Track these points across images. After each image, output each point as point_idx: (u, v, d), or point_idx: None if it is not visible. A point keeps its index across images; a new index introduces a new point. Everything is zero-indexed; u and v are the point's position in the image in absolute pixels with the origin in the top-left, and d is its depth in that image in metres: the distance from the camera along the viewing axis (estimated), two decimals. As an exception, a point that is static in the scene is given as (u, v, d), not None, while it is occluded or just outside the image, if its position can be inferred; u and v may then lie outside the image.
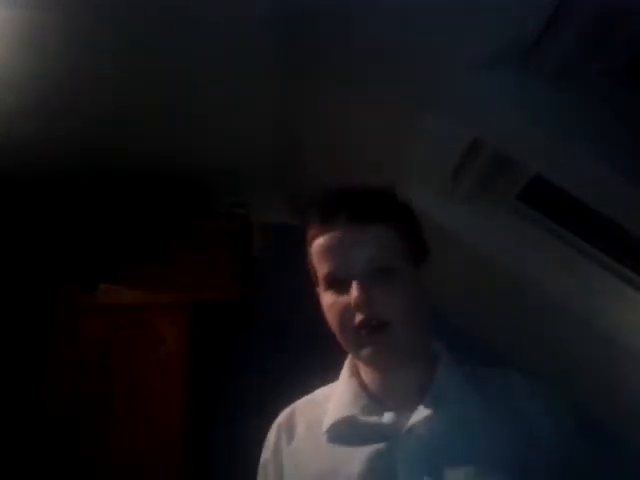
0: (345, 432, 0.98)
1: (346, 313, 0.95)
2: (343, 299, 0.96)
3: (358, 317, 0.94)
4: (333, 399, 1.04)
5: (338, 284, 0.97)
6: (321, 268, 0.99)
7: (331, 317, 0.98)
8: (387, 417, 0.97)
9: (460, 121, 1.62)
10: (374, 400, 1.00)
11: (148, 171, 2.43)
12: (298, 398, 1.12)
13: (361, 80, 1.72)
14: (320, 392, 1.10)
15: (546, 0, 1.19)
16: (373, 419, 0.98)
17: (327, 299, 0.98)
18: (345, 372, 1.06)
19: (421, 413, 0.94)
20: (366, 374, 1.03)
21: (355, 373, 1.05)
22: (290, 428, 1.06)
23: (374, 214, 0.98)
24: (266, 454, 1.08)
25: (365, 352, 0.96)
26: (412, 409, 0.96)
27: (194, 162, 2.43)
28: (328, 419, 1.01)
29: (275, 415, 1.11)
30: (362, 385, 1.03)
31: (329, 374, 1.12)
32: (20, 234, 2.61)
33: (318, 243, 0.99)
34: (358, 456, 0.95)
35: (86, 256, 2.62)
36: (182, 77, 1.93)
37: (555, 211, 1.94)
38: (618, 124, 1.37)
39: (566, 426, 1.03)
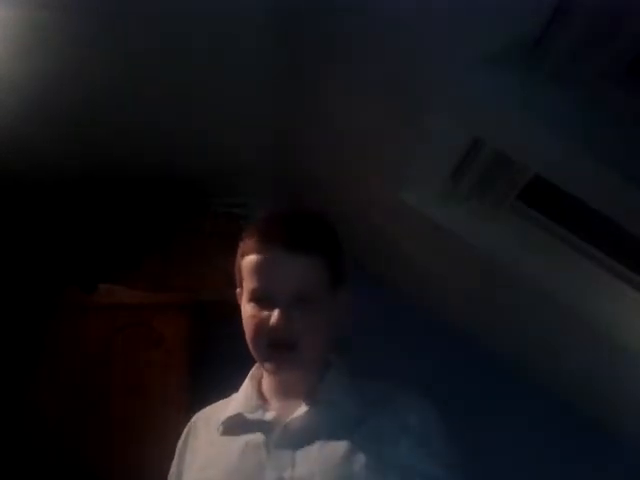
0: (234, 426, 1.12)
1: (262, 328, 1.07)
2: (263, 315, 1.07)
3: (272, 335, 1.06)
4: (232, 401, 1.18)
5: (260, 301, 1.08)
6: (249, 283, 1.09)
7: (248, 327, 1.10)
8: (269, 415, 1.11)
9: (460, 121, 1.62)
10: (263, 401, 1.14)
11: (148, 171, 2.43)
12: None
13: (361, 80, 1.72)
14: (230, 397, 1.21)
15: (546, 0, 1.19)
16: (256, 415, 1.12)
17: (248, 309, 1.09)
18: (247, 378, 1.19)
19: (298, 412, 1.08)
20: (265, 380, 1.17)
21: (256, 379, 1.18)
22: (195, 428, 1.20)
23: (308, 245, 1.07)
24: (176, 453, 1.21)
25: (269, 364, 1.10)
26: (293, 410, 1.09)
27: (194, 162, 2.44)
28: (223, 416, 1.14)
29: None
30: (258, 388, 1.16)
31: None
32: (21, 235, 2.61)
33: (251, 260, 1.09)
34: (239, 444, 1.09)
35: (86, 256, 2.62)
36: (182, 77, 1.93)
37: (555, 211, 1.94)
38: (618, 124, 1.37)
39: (432, 444, 1.09)
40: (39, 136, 2.19)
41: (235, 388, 1.18)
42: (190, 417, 1.24)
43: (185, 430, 1.22)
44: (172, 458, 1.21)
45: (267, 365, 1.11)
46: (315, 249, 1.08)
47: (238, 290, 1.16)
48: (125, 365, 2.51)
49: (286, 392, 1.13)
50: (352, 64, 1.68)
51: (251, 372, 1.20)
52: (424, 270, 2.45)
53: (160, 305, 2.56)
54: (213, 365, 2.53)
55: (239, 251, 1.14)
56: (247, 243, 1.11)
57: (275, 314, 1.06)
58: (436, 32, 1.37)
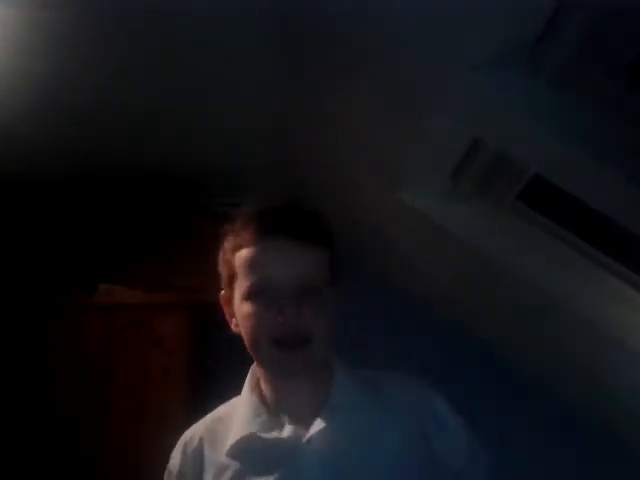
0: (247, 449, 0.99)
1: (267, 326, 0.97)
2: (266, 312, 0.97)
3: (280, 332, 0.96)
4: (236, 416, 1.04)
5: (262, 296, 0.98)
6: (247, 278, 0.99)
7: (249, 327, 0.99)
8: (286, 431, 0.99)
9: (460, 121, 1.62)
10: (273, 415, 1.02)
11: (148, 172, 2.44)
12: None
13: (361, 80, 1.72)
14: (222, 409, 1.10)
15: (546, 0, 1.19)
16: (273, 435, 0.99)
17: (246, 308, 0.99)
18: (246, 387, 1.07)
19: (318, 426, 0.97)
20: (266, 388, 1.05)
21: (255, 387, 1.06)
22: (197, 450, 1.05)
23: (310, 235, 1.01)
24: (172, 474, 1.07)
25: (278, 367, 1.00)
26: (310, 422, 0.98)
27: (194, 162, 2.43)
28: (232, 437, 1.01)
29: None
30: (262, 400, 1.04)
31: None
32: (21, 235, 2.61)
33: (249, 253, 1.00)
34: (261, 470, 0.96)
35: (86, 256, 2.62)
36: (182, 77, 1.93)
37: (555, 211, 1.94)
38: (618, 124, 1.37)
39: (454, 427, 1.06)
40: (39, 136, 2.19)
41: (235, 389, 1.09)
42: (186, 426, 1.11)
43: (180, 447, 1.08)
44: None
45: (275, 368, 1.01)
46: (319, 238, 1.03)
47: (222, 292, 1.06)
48: (125, 365, 2.51)
49: (294, 401, 1.02)
50: (352, 64, 1.68)
51: (248, 380, 1.08)
52: (424, 270, 2.45)
53: (160, 305, 2.56)
54: (213, 365, 2.53)
55: (226, 247, 1.04)
56: (240, 236, 1.02)
57: (285, 308, 0.96)
58: (436, 33, 1.36)
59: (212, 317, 2.63)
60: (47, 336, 2.53)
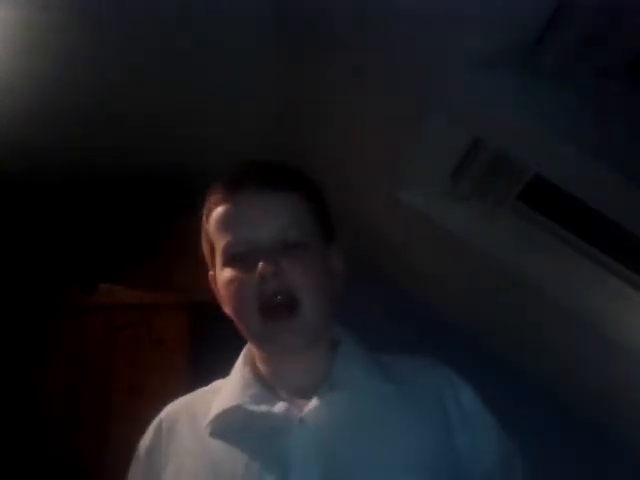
0: (230, 423, 0.87)
1: (248, 289, 0.85)
2: (246, 274, 0.85)
3: (263, 292, 0.84)
4: (223, 390, 0.93)
5: (240, 257, 0.87)
6: (221, 238, 0.89)
7: (230, 295, 0.88)
8: (279, 406, 0.85)
9: (460, 121, 1.62)
10: (267, 389, 0.89)
11: (148, 171, 2.43)
12: None
13: (361, 80, 1.72)
14: (212, 385, 0.99)
15: (546, 0, 1.19)
16: (262, 408, 0.86)
17: (226, 275, 0.88)
18: (239, 361, 0.96)
19: (315, 402, 0.85)
20: (261, 363, 0.93)
21: (249, 362, 0.94)
22: (171, 426, 0.94)
23: (284, 181, 0.91)
24: (140, 452, 0.97)
25: (267, 337, 0.87)
26: (307, 399, 0.86)
27: (193, 162, 2.43)
28: (213, 410, 0.89)
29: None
30: (256, 374, 0.92)
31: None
32: (21, 236, 2.61)
33: (219, 212, 0.90)
34: (244, 449, 0.84)
35: (86, 256, 2.62)
36: (182, 77, 1.93)
37: (555, 211, 1.94)
38: (618, 124, 1.37)
39: (482, 414, 0.95)
40: (38, 137, 2.19)
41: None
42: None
43: (153, 427, 0.96)
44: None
45: (263, 340, 0.88)
46: (292, 186, 0.92)
47: (211, 273, 0.96)
48: (125, 365, 2.51)
49: (292, 377, 0.90)
50: (352, 64, 1.68)
51: (242, 355, 0.96)
52: (424, 270, 2.45)
53: (160, 305, 2.55)
54: (213, 365, 2.52)
55: (204, 218, 0.95)
56: (211, 199, 0.93)
57: (262, 261, 0.83)
58: (436, 32, 1.36)
59: (212, 317, 2.63)
60: (47, 336, 2.53)
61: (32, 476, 2.35)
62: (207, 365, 2.51)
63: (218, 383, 0.98)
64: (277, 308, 0.84)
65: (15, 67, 1.83)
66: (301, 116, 2.10)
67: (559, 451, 2.44)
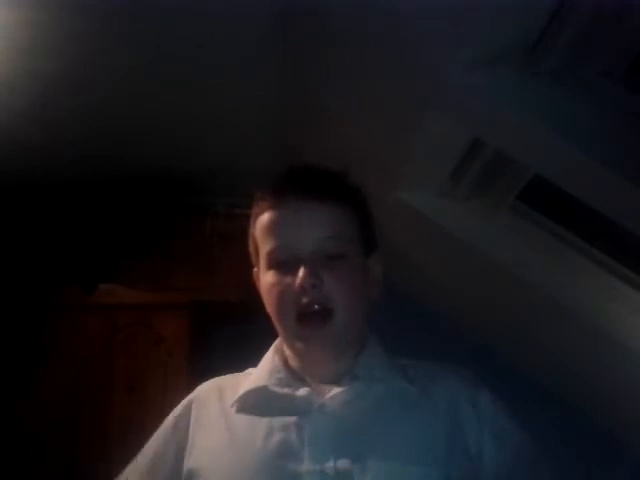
0: (255, 402, 0.93)
1: (288, 295, 0.89)
2: (287, 279, 0.89)
3: (300, 302, 0.88)
4: (253, 374, 0.99)
5: (283, 262, 0.90)
6: (266, 245, 0.92)
7: (271, 298, 0.92)
8: (302, 391, 0.91)
9: (460, 121, 1.62)
10: (293, 375, 0.95)
11: (148, 171, 2.43)
12: None
13: (361, 80, 1.72)
14: (245, 371, 1.03)
15: (546, 0, 1.19)
16: (285, 391, 0.92)
17: (268, 278, 0.92)
18: (270, 351, 1.01)
19: (336, 390, 0.90)
20: (291, 354, 0.97)
21: (279, 350, 0.99)
22: (204, 401, 1.00)
23: (331, 192, 0.93)
24: (168, 420, 1.02)
25: (301, 340, 0.92)
26: (329, 388, 0.91)
27: (194, 162, 2.43)
28: (241, 390, 0.95)
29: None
30: (284, 361, 0.97)
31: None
32: (21, 235, 2.61)
33: (265, 218, 0.93)
34: (264, 427, 0.89)
35: (86, 256, 2.62)
36: (182, 78, 1.93)
37: (555, 211, 1.94)
38: (618, 124, 1.37)
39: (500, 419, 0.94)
40: (39, 136, 2.19)
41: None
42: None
43: (185, 402, 1.02)
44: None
45: (297, 342, 0.93)
46: (339, 197, 0.94)
47: (255, 269, 0.99)
48: (125, 365, 2.51)
49: (319, 373, 0.94)
50: (352, 64, 1.68)
51: (274, 345, 1.01)
52: (423, 270, 2.45)
53: (160, 305, 2.55)
54: (213, 365, 2.52)
55: (252, 217, 0.97)
56: (259, 203, 0.95)
57: (300, 274, 0.87)
58: (436, 32, 1.36)
59: (212, 317, 2.64)
60: (47, 336, 2.53)
61: (32, 476, 2.35)
62: (207, 365, 2.52)
63: (250, 370, 1.02)
64: (312, 315, 0.89)
65: (15, 67, 1.83)
66: (301, 116, 2.10)
67: (559, 451, 2.44)
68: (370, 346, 0.98)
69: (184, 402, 1.02)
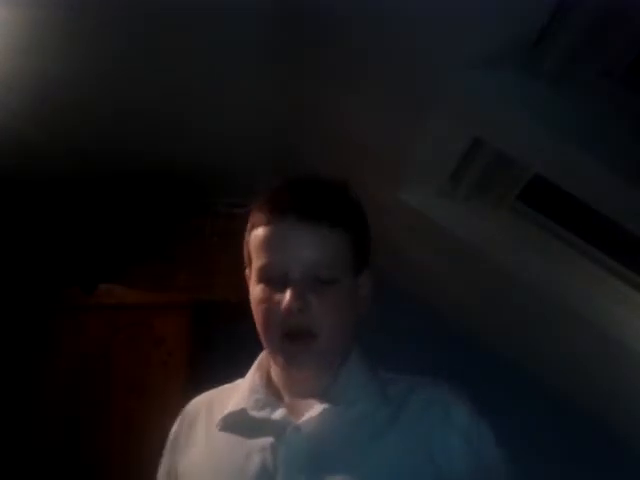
0: (236, 424, 0.96)
1: (274, 313, 0.90)
2: (275, 297, 0.90)
3: (286, 322, 0.89)
4: (239, 390, 1.01)
5: (273, 280, 0.91)
6: (258, 259, 0.93)
7: (258, 313, 0.93)
8: (278, 413, 0.93)
9: (460, 121, 1.62)
10: (271, 395, 0.97)
11: (148, 171, 2.43)
12: None
13: (361, 80, 1.72)
14: (235, 382, 1.06)
15: (546, 0, 1.19)
16: (262, 414, 0.94)
17: (257, 292, 0.93)
18: (253, 367, 1.03)
19: (312, 413, 0.91)
20: (274, 369, 0.99)
21: (262, 366, 1.01)
22: (194, 415, 1.04)
23: (327, 216, 0.92)
24: (167, 442, 1.07)
25: (282, 358, 0.93)
26: (308, 405, 0.93)
27: (194, 162, 2.43)
28: (226, 410, 0.98)
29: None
30: (265, 379, 0.99)
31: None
32: (21, 235, 2.61)
33: (260, 232, 0.93)
34: (245, 448, 0.92)
35: (86, 256, 2.62)
36: (182, 77, 1.93)
37: (555, 211, 1.94)
38: (618, 124, 1.37)
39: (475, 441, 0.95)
40: (39, 136, 2.19)
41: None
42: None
43: (179, 417, 1.07)
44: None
45: (280, 359, 0.94)
46: (335, 220, 0.92)
47: (247, 271, 0.99)
48: (125, 365, 2.51)
49: (298, 388, 0.96)
50: (352, 64, 1.68)
51: (259, 359, 1.03)
52: (424, 270, 2.45)
53: (160, 305, 2.56)
54: (213, 365, 2.52)
55: (248, 225, 0.97)
56: (256, 214, 0.95)
57: (287, 295, 0.88)
58: (436, 32, 1.36)
59: (212, 317, 2.64)
60: (47, 336, 2.53)
61: (32, 476, 2.36)
62: (207, 365, 2.52)
63: (238, 381, 1.05)
64: (296, 338, 0.90)
65: (15, 66, 1.83)
66: (301, 116, 2.10)
67: (559, 451, 2.44)
68: (352, 361, 0.99)
69: (177, 420, 1.07)
